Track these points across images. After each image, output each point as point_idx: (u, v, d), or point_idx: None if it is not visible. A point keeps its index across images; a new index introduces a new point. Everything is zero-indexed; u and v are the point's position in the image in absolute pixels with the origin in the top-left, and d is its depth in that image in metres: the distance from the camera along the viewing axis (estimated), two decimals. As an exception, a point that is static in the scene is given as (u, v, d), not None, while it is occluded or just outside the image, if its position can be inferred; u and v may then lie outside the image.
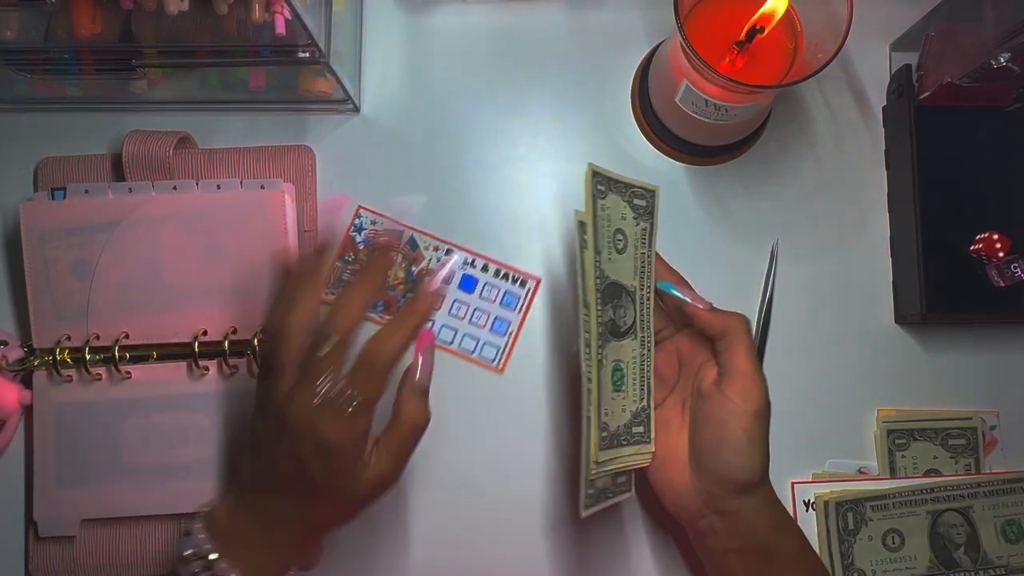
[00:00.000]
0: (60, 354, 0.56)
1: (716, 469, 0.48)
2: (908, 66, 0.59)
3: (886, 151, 0.61)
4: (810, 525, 0.57)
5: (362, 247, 0.58)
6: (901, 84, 0.59)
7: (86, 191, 0.57)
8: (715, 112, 0.54)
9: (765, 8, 0.50)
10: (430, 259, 0.59)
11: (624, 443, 0.50)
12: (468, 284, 0.59)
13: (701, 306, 0.50)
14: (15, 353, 0.57)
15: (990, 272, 0.57)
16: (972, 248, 0.57)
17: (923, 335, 0.60)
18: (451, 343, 0.59)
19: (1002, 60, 0.51)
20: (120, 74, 0.57)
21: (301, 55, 0.52)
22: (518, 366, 0.59)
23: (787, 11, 0.53)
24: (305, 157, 0.60)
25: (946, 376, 0.60)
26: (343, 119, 0.62)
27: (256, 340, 0.56)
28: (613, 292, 0.49)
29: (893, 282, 0.60)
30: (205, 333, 0.56)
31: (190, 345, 0.56)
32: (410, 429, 0.47)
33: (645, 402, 0.51)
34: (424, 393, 0.48)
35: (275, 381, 0.45)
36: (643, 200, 0.51)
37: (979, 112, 0.58)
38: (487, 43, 0.62)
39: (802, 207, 0.61)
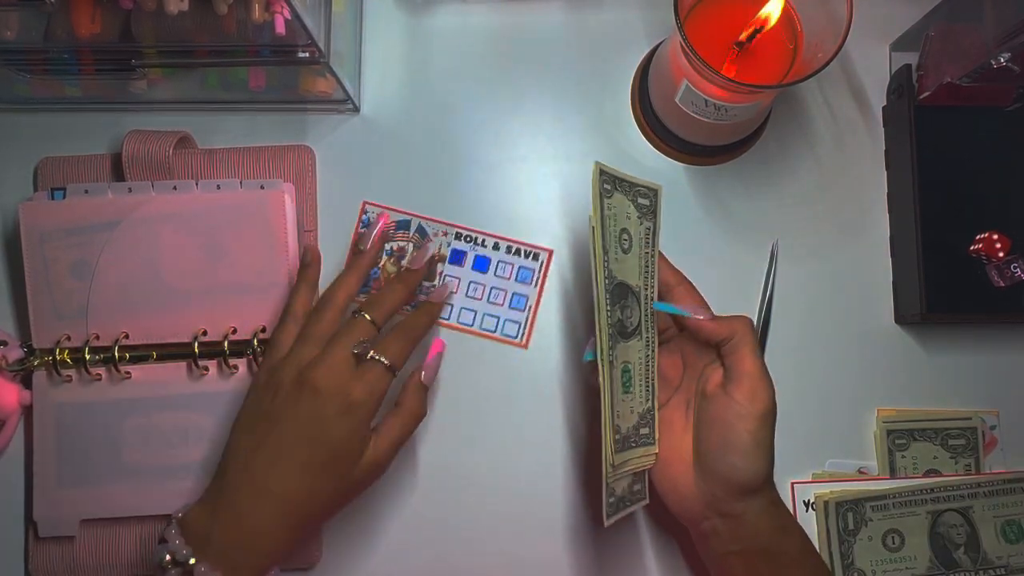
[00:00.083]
0: (60, 354, 0.56)
1: (721, 471, 0.48)
2: (908, 66, 0.59)
3: (886, 151, 0.61)
4: (810, 525, 0.57)
5: (392, 256, 0.60)
6: (901, 84, 0.59)
7: (86, 191, 0.57)
8: (715, 112, 0.54)
9: (760, 13, 0.51)
10: (440, 244, 0.60)
11: (633, 445, 0.50)
12: (482, 265, 0.60)
13: (702, 317, 0.50)
14: (15, 353, 0.57)
15: (990, 272, 0.57)
16: (972, 248, 0.57)
17: (923, 335, 0.60)
18: (472, 324, 0.59)
19: (1002, 60, 0.51)
20: (120, 74, 0.57)
21: (301, 55, 0.52)
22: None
23: (787, 11, 0.53)
24: (305, 157, 0.60)
25: (946, 376, 0.60)
26: (343, 119, 0.62)
27: (254, 340, 0.56)
28: (620, 292, 0.49)
29: (893, 282, 0.60)
30: (205, 333, 0.56)
31: (190, 345, 0.56)
32: (410, 418, 0.51)
33: (650, 403, 0.51)
34: (425, 391, 0.52)
35: (304, 347, 0.49)
36: (647, 199, 0.51)
37: (979, 112, 0.58)
38: (487, 43, 0.62)
39: (802, 207, 0.61)
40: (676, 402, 0.52)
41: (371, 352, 0.49)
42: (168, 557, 0.46)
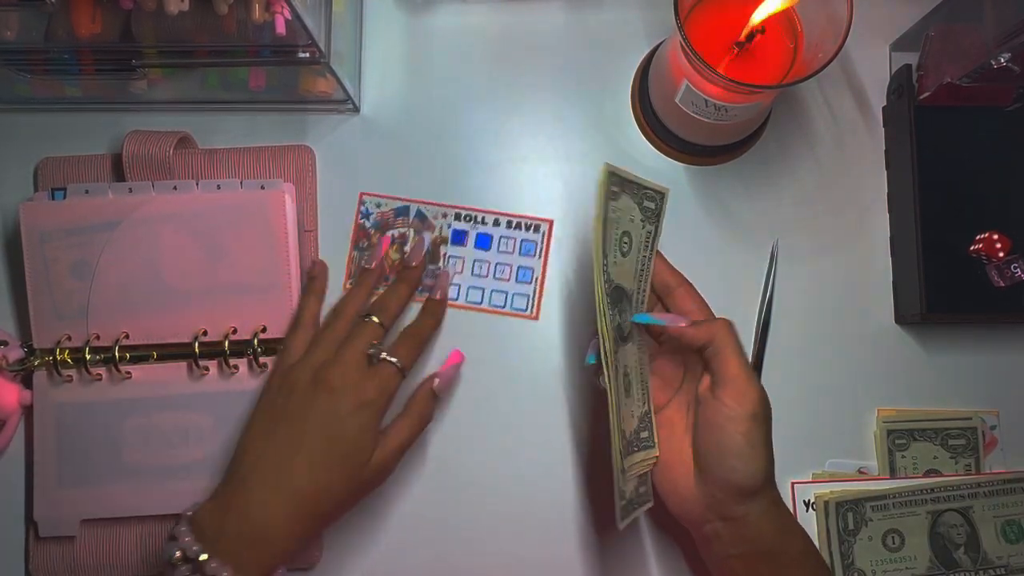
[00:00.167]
0: (60, 354, 0.56)
1: (719, 474, 0.48)
2: (908, 66, 0.59)
3: (886, 151, 0.61)
4: (810, 525, 0.57)
5: (374, 231, 0.60)
6: (901, 84, 0.59)
7: (86, 191, 0.57)
8: (715, 112, 0.54)
9: (753, 20, 0.51)
10: (440, 226, 0.60)
11: (636, 449, 0.50)
12: (484, 242, 0.60)
13: (682, 324, 0.50)
14: (15, 353, 0.57)
15: (990, 272, 0.57)
16: (972, 248, 0.57)
17: (923, 335, 0.60)
18: (481, 303, 0.59)
19: (1002, 60, 0.51)
20: (120, 74, 0.57)
21: (301, 55, 0.52)
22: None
23: (787, 11, 0.53)
24: (305, 157, 0.60)
25: (946, 376, 0.60)
26: (343, 119, 0.62)
27: (253, 340, 0.56)
28: (617, 296, 0.49)
29: (893, 282, 0.60)
30: (205, 333, 0.56)
31: (190, 345, 0.56)
32: (417, 421, 0.53)
33: (646, 407, 0.51)
34: (436, 398, 0.54)
35: (317, 350, 0.52)
36: (653, 202, 0.50)
37: (979, 112, 0.58)
38: (487, 43, 0.62)
39: (802, 207, 0.61)
40: (678, 403, 0.52)
41: (383, 353, 0.51)
42: (178, 553, 0.46)
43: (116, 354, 0.56)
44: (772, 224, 0.60)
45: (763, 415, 0.48)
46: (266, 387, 0.53)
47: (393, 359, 0.52)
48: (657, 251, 0.53)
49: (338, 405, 0.49)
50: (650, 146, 0.61)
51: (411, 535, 0.58)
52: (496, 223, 0.60)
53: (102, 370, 0.56)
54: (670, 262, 0.53)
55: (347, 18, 0.59)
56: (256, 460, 0.49)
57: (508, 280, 0.60)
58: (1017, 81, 0.55)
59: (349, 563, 0.57)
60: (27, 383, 0.57)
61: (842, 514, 0.57)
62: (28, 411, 0.58)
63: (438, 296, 0.57)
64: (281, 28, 0.51)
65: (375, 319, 0.53)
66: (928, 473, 0.58)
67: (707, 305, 0.52)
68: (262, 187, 0.57)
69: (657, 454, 0.51)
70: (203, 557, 0.46)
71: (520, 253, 0.60)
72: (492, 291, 0.60)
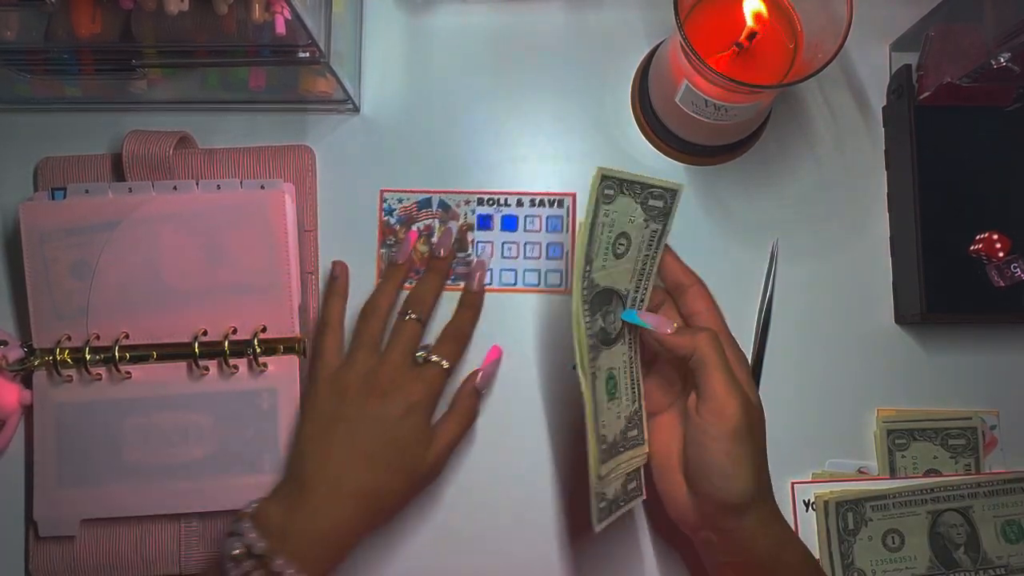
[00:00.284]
0: (60, 354, 0.56)
1: (705, 490, 0.48)
2: (908, 66, 0.59)
3: (886, 151, 0.61)
4: (810, 525, 0.57)
5: (399, 226, 0.60)
6: (901, 84, 0.59)
7: (86, 191, 0.57)
8: (715, 112, 0.54)
9: (749, 23, 0.51)
10: (464, 213, 0.60)
11: (622, 450, 0.50)
12: (510, 224, 0.60)
13: (669, 330, 0.49)
14: (15, 353, 0.57)
15: (990, 272, 0.57)
16: (972, 248, 0.57)
17: (923, 335, 0.60)
18: (515, 283, 0.60)
19: (1002, 60, 0.51)
20: (120, 74, 0.57)
21: (301, 55, 0.52)
22: None
23: (787, 11, 0.53)
24: (305, 157, 0.60)
25: (946, 376, 0.60)
26: (343, 119, 0.62)
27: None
28: (603, 299, 0.48)
29: (893, 282, 0.60)
30: (205, 333, 0.56)
31: (190, 345, 0.56)
32: (464, 419, 0.54)
33: (637, 404, 0.51)
34: (479, 395, 0.56)
35: (360, 353, 0.53)
36: (660, 200, 0.49)
37: (979, 112, 0.58)
38: (487, 43, 0.62)
39: (802, 207, 0.61)
40: (678, 408, 0.51)
41: (428, 354, 0.53)
42: (240, 550, 0.47)
43: (116, 354, 0.56)
44: (772, 224, 0.60)
45: (746, 433, 0.47)
46: (313, 392, 0.53)
47: (438, 359, 0.53)
48: (670, 250, 0.52)
49: (389, 408, 0.51)
50: (650, 146, 0.61)
51: (409, 535, 0.58)
52: (519, 203, 0.60)
53: (102, 370, 0.56)
54: (683, 261, 0.53)
55: (347, 18, 0.59)
56: (317, 462, 0.50)
57: (539, 258, 0.60)
58: (1017, 81, 0.55)
59: (342, 564, 0.57)
60: (27, 383, 0.57)
61: (842, 514, 0.57)
62: (28, 411, 0.58)
63: (475, 287, 0.58)
64: (281, 28, 0.51)
65: (412, 315, 0.54)
66: (928, 473, 0.58)
67: (718, 308, 0.51)
68: (262, 187, 0.57)
69: (647, 450, 0.51)
70: (269, 554, 0.47)
71: (547, 230, 0.60)
72: (525, 271, 0.60)
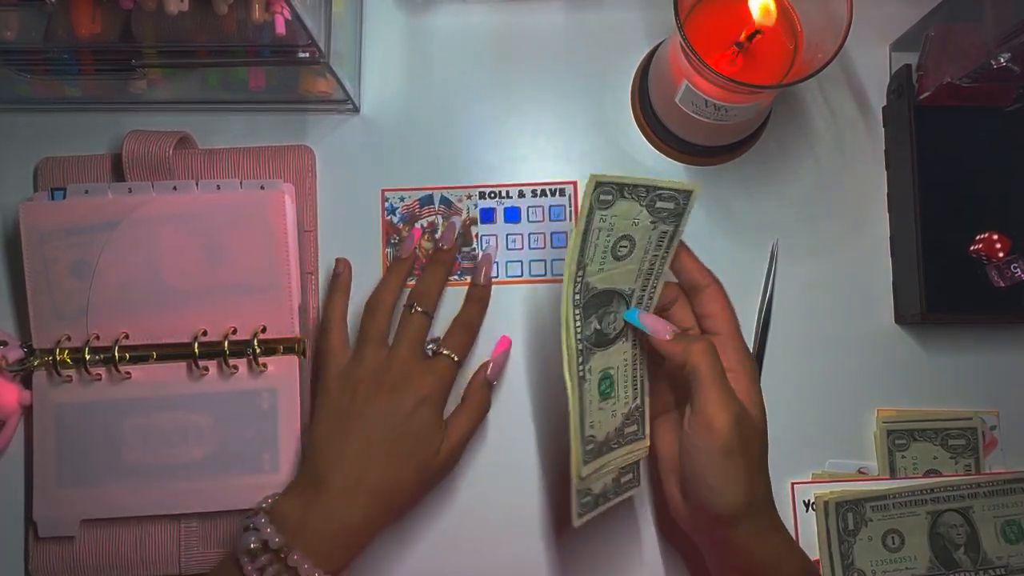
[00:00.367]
0: (60, 354, 0.56)
1: (696, 499, 0.48)
2: (908, 66, 0.59)
3: (886, 151, 0.61)
4: (810, 525, 0.57)
5: (401, 224, 0.60)
6: (901, 84, 0.59)
7: (86, 191, 0.57)
8: (715, 112, 0.54)
9: (759, 18, 0.51)
10: (467, 208, 0.60)
11: (615, 446, 0.50)
12: (513, 215, 0.60)
13: (666, 336, 0.48)
14: (15, 353, 0.57)
15: (990, 272, 0.57)
16: (972, 248, 0.57)
17: (923, 335, 0.60)
18: (522, 275, 0.60)
19: (1002, 60, 0.51)
20: (120, 74, 0.57)
21: (301, 55, 0.52)
22: None
23: (787, 11, 0.53)
24: (305, 157, 0.60)
25: (946, 376, 0.60)
26: (343, 119, 0.62)
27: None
28: (601, 301, 0.48)
29: (893, 282, 0.60)
30: (205, 333, 0.56)
31: (190, 345, 0.56)
32: (476, 411, 0.54)
33: (639, 400, 0.51)
34: (490, 387, 0.56)
35: (368, 349, 0.53)
36: (671, 203, 0.48)
37: (979, 112, 0.58)
38: (487, 43, 0.62)
39: (802, 207, 0.61)
40: (682, 412, 0.51)
41: (437, 347, 0.53)
42: (257, 544, 0.47)
43: (116, 354, 0.56)
44: (772, 224, 0.60)
45: (737, 448, 0.46)
46: (324, 389, 0.53)
47: (447, 352, 0.53)
48: (687, 249, 0.51)
49: (400, 403, 0.51)
50: (650, 146, 0.61)
51: (407, 535, 0.58)
52: (521, 195, 0.60)
53: (102, 370, 0.56)
54: (700, 260, 0.52)
55: (347, 18, 0.59)
56: (331, 459, 0.50)
57: (544, 248, 0.60)
58: (1017, 81, 0.55)
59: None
60: (27, 383, 0.57)
61: (842, 514, 0.57)
62: (28, 411, 0.58)
63: (482, 281, 0.57)
64: (281, 28, 0.51)
65: (418, 308, 0.54)
66: (928, 473, 0.58)
67: (732, 311, 0.50)
68: (262, 187, 0.57)
69: (647, 444, 0.51)
70: (285, 548, 0.47)
71: (551, 219, 0.60)
72: (531, 261, 0.60)
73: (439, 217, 0.60)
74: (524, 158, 0.61)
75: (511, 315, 0.59)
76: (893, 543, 0.57)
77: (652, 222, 0.48)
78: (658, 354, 0.51)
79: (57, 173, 0.59)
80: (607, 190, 0.46)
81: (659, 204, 0.48)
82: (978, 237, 0.57)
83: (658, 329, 0.49)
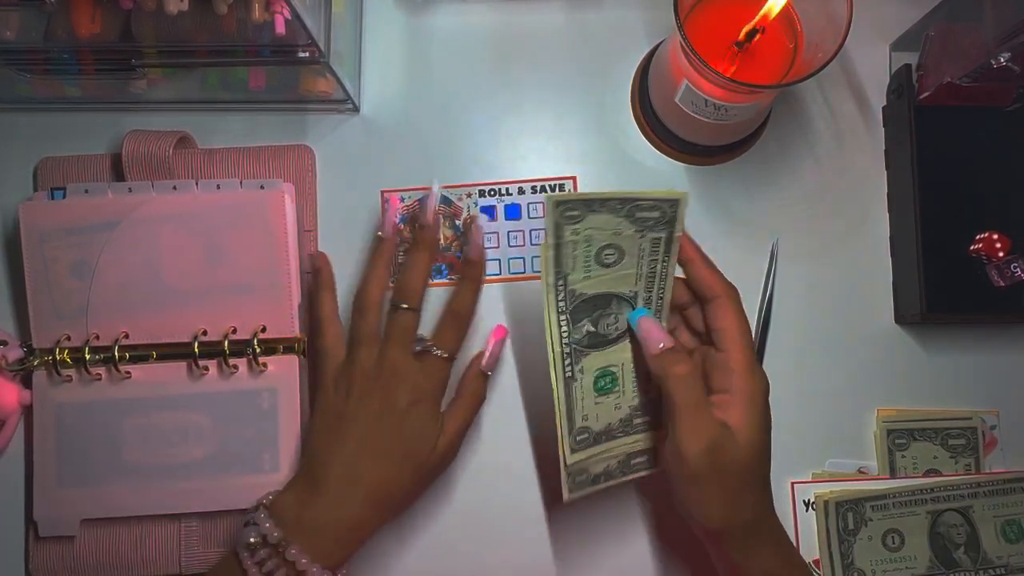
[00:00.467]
0: (60, 354, 0.56)
1: (685, 513, 0.48)
2: (908, 66, 0.59)
3: (886, 151, 0.61)
4: (810, 525, 0.57)
5: (402, 225, 0.59)
6: (901, 84, 0.59)
7: (86, 191, 0.57)
8: (715, 112, 0.54)
9: (763, 10, 0.50)
10: (467, 207, 0.60)
11: (620, 435, 0.50)
12: (514, 212, 0.60)
13: (654, 350, 0.47)
14: (15, 353, 0.57)
15: (990, 272, 0.57)
16: (972, 248, 0.57)
17: (923, 335, 0.60)
18: (524, 271, 0.60)
19: (1002, 60, 0.51)
20: (120, 74, 0.57)
21: (301, 55, 0.52)
22: None
23: (787, 11, 0.53)
24: (305, 157, 0.60)
25: (946, 376, 0.60)
26: (343, 119, 0.62)
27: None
28: (595, 304, 0.48)
29: (893, 282, 0.60)
30: (205, 333, 0.56)
31: (190, 345, 0.56)
32: (472, 403, 0.54)
33: (653, 393, 0.51)
34: (486, 377, 0.55)
35: (360, 350, 0.52)
36: (655, 212, 0.47)
37: (979, 112, 0.58)
38: (487, 43, 0.62)
39: (802, 207, 0.61)
40: None
41: (428, 346, 0.52)
42: (256, 538, 0.48)
43: (116, 354, 0.56)
44: (772, 224, 0.60)
45: (706, 475, 0.45)
46: (321, 388, 0.53)
47: (438, 351, 0.52)
48: (699, 254, 0.50)
49: (395, 402, 0.51)
50: (650, 146, 0.61)
51: (406, 535, 0.58)
52: (521, 191, 0.60)
53: (102, 370, 0.56)
54: (714, 265, 0.50)
55: (347, 18, 0.59)
56: (329, 459, 0.50)
57: None
58: (1017, 81, 0.55)
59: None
60: (27, 383, 0.57)
61: (842, 514, 0.57)
62: (28, 411, 0.58)
63: (474, 256, 0.55)
64: (281, 28, 0.51)
65: (404, 305, 0.52)
66: (928, 473, 0.58)
67: (742, 324, 0.48)
68: (262, 187, 0.57)
69: (662, 432, 0.51)
70: (283, 542, 0.47)
71: None
72: (533, 257, 0.60)
73: (439, 216, 0.60)
74: (524, 158, 0.61)
75: (515, 312, 0.59)
76: (893, 543, 0.57)
77: (638, 231, 0.47)
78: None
79: (57, 173, 0.59)
80: (571, 207, 0.45)
81: (640, 214, 0.47)
82: (978, 237, 0.57)
83: (649, 339, 0.48)
